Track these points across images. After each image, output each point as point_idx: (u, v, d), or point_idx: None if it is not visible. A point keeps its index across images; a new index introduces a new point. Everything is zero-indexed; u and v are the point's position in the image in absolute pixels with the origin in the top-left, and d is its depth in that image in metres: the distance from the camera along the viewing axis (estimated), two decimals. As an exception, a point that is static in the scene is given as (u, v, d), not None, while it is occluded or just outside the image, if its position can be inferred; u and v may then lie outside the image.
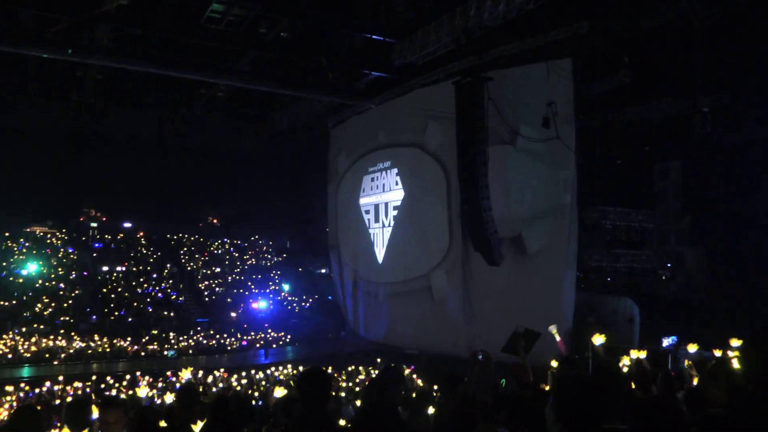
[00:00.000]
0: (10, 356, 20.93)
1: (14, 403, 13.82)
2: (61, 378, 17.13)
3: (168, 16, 16.54)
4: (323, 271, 32.14)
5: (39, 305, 25.21)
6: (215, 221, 36.01)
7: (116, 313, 26.20)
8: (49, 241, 30.37)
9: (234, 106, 26.75)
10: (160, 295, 28.54)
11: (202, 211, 35.41)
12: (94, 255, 30.22)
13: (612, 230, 20.23)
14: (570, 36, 14.77)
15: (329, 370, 17.27)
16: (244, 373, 17.99)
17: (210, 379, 17.33)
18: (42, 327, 23.79)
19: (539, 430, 4.45)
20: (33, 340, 22.38)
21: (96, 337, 23.28)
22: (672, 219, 20.35)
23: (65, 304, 25.81)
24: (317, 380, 3.55)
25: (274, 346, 24.99)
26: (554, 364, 7.71)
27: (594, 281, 20.63)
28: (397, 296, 21.05)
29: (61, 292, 26.70)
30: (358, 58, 19.30)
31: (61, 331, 23.66)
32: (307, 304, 30.86)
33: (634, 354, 8.14)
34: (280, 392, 10.65)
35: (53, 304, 25.49)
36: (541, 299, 15.57)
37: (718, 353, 8.75)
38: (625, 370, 8.18)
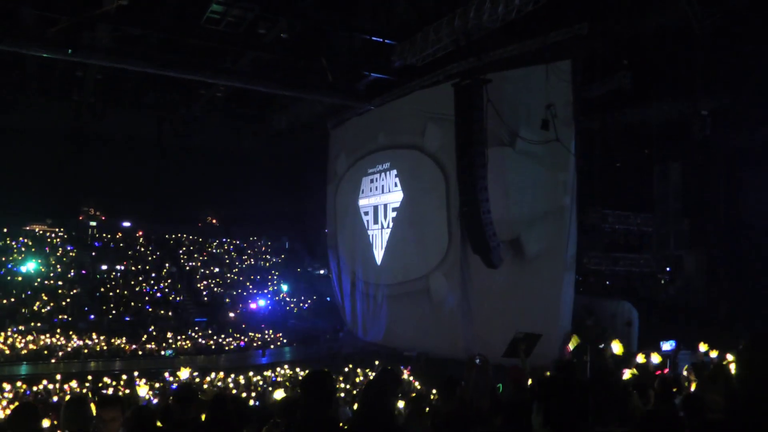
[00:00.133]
0: (8, 353, 20.91)
1: (11, 401, 13.78)
2: (58, 376, 17.11)
3: (168, 17, 16.55)
4: (322, 272, 32.11)
5: (38, 303, 25.18)
6: (214, 221, 35.96)
7: (114, 312, 26.17)
8: (48, 239, 30.33)
9: (233, 106, 26.76)
10: (158, 294, 28.50)
11: (201, 211, 35.35)
12: (93, 254, 30.18)
13: (611, 233, 20.24)
14: (569, 38, 14.76)
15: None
16: (241, 374, 17.96)
17: (207, 379, 17.32)
18: (40, 325, 23.76)
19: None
20: (31, 338, 22.35)
21: (94, 336, 23.26)
22: (671, 222, 20.33)
23: (63, 303, 25.77)
24: (322, 382, 3.56)
25: (272, 346, 24.95)
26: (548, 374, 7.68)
27: (593, 284, 20.63)
28: (395, 298, 21.03)
29: (60, 291, 26.66)
30: (357, 60, 19.29)
31: (59, 330, 23.63)
32: (306, 305, 30.82)
33: (641, 358, 8.10)
34: (280, 394, 10.64)
35: (52, 303, 25.46)
36: (540, 302, 15.57)
37: (713, 353, 8.74)
38: (627, 375, 8.15)
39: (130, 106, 26.53)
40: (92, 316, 25.48)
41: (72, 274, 28.26)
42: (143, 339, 23.84)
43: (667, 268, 20.29)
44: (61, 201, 29.95)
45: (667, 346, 13.58)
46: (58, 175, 28.45)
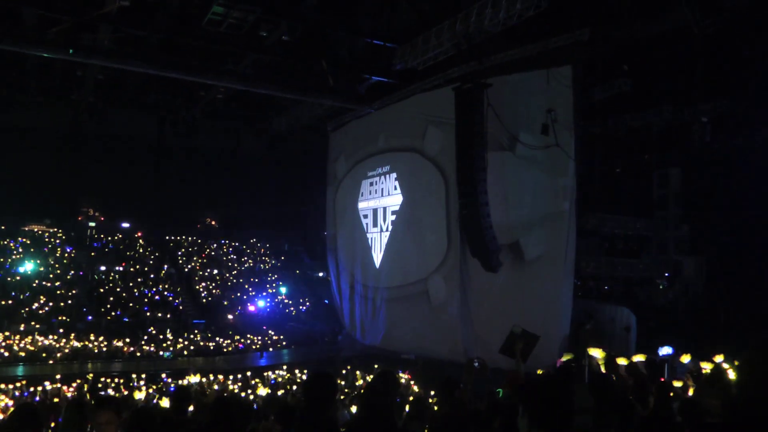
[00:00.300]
0: (6, 354, 20.89)
1: (8, 402, 13.76)
2: (57, 377, 17.08)
3: (169, 18, 16.57)
4: (321, 274, 32.09)
5: (36, 304, 25.15)
6: (213, 223, 35.96)
7: (113, 313, 26.14)
8: (46, 240, 30.31)
9: (233, 108, 26.75)
10: (157, 296, 28.47)
11: (200, 213, 35.35)
12: (92, 255, 30.16)
13: (610, 238, 20.28)
14: (570, 43, 14.79)
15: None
16: (240, 376, 17.94)
17: (205, 380, 17.30)
18: (38, 326, 23.72)
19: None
20: (29, 339, 22.32)
21: (92, 337, 23.23)
22: (671, 227, 20.37)
23: (62, 304, 25.74)
24: (323, 384, 3.57)
25: (270, 349, 24.93)
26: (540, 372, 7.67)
27: (592, 289, 20.66)
28: (394, 301, 21.03)
29: (59, 292, 26.64)
30: (358, 63, 19.32)
31: (60, 330, 23.61)
32: (305, 308, 30.82)
33: (623, 361, 8.10)
34: (263, 391, 10.64)
35: (50, 304, 25.43)
36: (539, 306, 15.57)
37: (707, 365, 8.74)
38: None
39: (131, 107, 26.52)
40: (90, 318, 25.45)
41: (71, 275, 28.23)
42: (142, 340, 23.81)
43: (666, 273, 20.33)
44: (59, 201, 29.95)
45: (665, 350, 13.59)
46: (57, 175, 28.44)
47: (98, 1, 14.85)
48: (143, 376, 17.81)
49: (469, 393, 5.97)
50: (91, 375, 18.23)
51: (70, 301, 26.15)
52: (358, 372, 18.45)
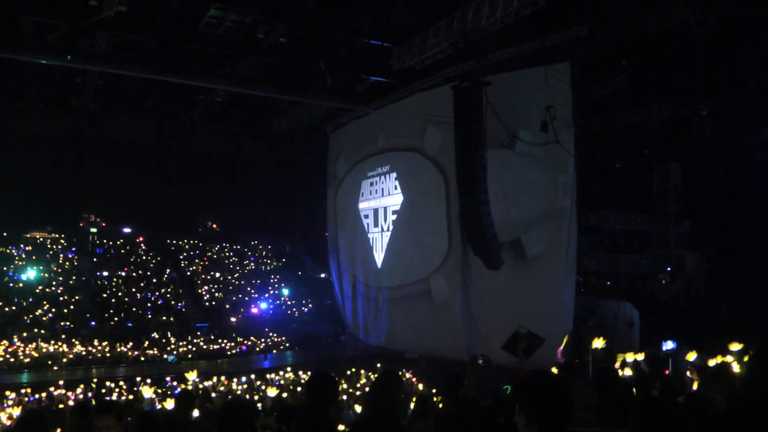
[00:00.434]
0: (11, 361, 20.93)
1: (13, 410, 13.77)
2: (61, 383, 17.10)
3: (166, 22, 16.59)
4: (323, 275, 32.11)
5: (39, 311, 25.18)
6: (214, 226, 35.95)
7: (116, 318, 26.17)
8: (49, 246, 30.35)
9: (232, 111, 26.80)
10: (160, 300, 28.50)
11: (201, 216, 35.34)
12: (94, 260, 30.20)
13: (612, 234, 20.28)
14: (568, 40, 14.80)
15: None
16: (244, 378, 17.95)
17: (210, 384, 17.31)
18: (42, 332, 23.75)
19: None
20: (33, 345, 22.35)
21: (96, 342, 23.26)
22: (672, 222, 20.37)
23: (65, 310, 25.76)
24: (323, 384, 3.67)
25: (274, 351, 24.95)
26: (555, 370, 7.67)
27: (594, 285, 20.66)
28: (396, 300, 21.05)
29: (62, 298, 26.66)
30: (356, 63, 19.34)
31: (63, 336, 23.64)
32: (307, 309, 30.84)
33: (631, 357, 8.11)
34: (272, 392, 10.64)
35: (53, 310, 25.46)
36: (541, 303, 15.57)
37: (713, 362, 8.73)
38: (625, 372, 8.17)
39: (130, 112, 26.57)
40: (94, 323, 25.49)
41: (73, 280, 28.27)
42: (145, 345, 23.83)
43: (668, 269, 20.32)
44: (61, 208, 29.95)
45: (668, 345, 13.61)
46: (58, 181, 28.46)
47: (95, 7, 14.89)
48: (148, 381, 17.82)
49: (473, 390, 5.99)
50: (96, 380, 18.25)
51: (73, 307, 26.17)
52: (362, 371, 18.46)
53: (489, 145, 15.02)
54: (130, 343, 23.62)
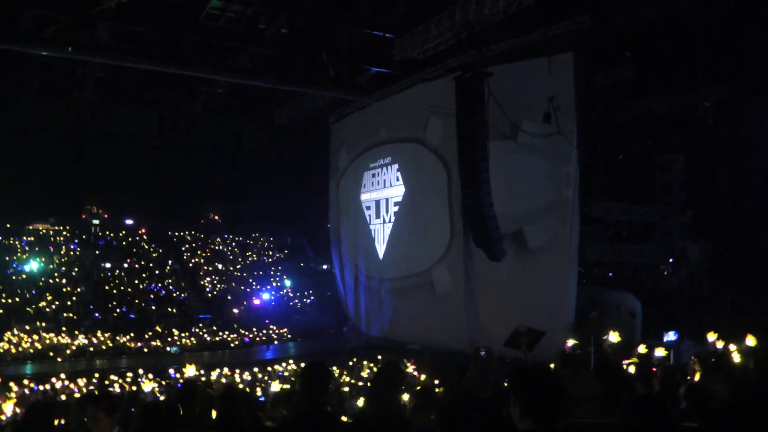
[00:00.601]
0: (14, 352, 21.04)
1: (19, 400, 13.85)
2: (64, 375, 17.18)
3: (167, 13, 16.53)
4: (325, 267, 32.16)
5: (42, 302, 25.28)
6: (216, 218, 35.99)
7: (119, 310, 26.26)
8: (51, 238, 30.42)
9: (234, 103, 26.77)
10: (162, 291, 28.59)
11: (203, 208, 35.36)
12: (97, 252, 30.26)
13: (614, 225, 20.23)
14: (571, 30, 14.72)
15: (333, 368, 17.33)
16: (247, 370, 18.01)
17: (213, 375, 17.38)
18: (45, 324, 23.85)
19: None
20: (36, 337, 22.45)
21: (99, 334, 23.35)
22: (675, 213, 20.32)
23: (68, 302, 25.86)
24: (316, 372, 3.84)
25: (276, 342, 25.03)
26: (552, 364, 7.65)
27: (596, 276, 20.65)
28: (398, 292, 21.08)
29: (64, 289, 26.75)
30: (358, 54, 19.26)
31: (64, 328, 23.73)
32: (309, 300, 30.91)
33: (642, 348, 8.11)
34: (277, 386, 10.68)
35: (56, 302, 25.55)
36: (544, 294, 15.58)
37: (720, 343, 8.74)
38: (632, 368, 8.15)
39: (132, 104, 26.55)
40: (97, 314, 25.58)
41: (76, 272, 28.35)
42: (148, 336, 23.92)
43: (671, 259, 20.29)
44: (63, 199, 29.98)
45: (670, 336, 13.60)
46: (60, 173, 28.49)
47: (96, -3, 14.83)
48: (149, 375, 17.89)
49: (475, 381, 6.00)
50: (99, 372, 18.33)
51: (76, 299, 26.26)
52: (364, 363, 18.51)
53: (491, 136, 14.97)
54: (133, 335, 23.71)
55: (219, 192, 33.06)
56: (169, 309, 27.13)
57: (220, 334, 25.08)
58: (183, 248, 32.86)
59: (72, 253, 29.75)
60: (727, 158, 18.91)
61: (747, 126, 17.97)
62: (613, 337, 7.80)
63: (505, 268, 16.08)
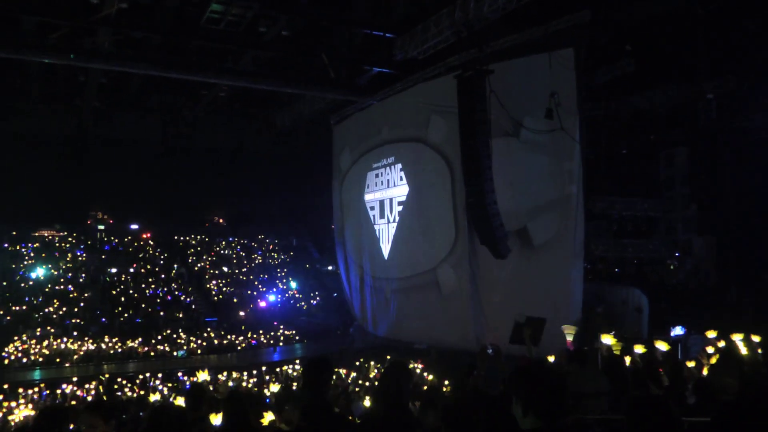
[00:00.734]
0: (22, 359, 21.14)
1: (26, 408, 13.92)
2: (74, 380, 17.26)
3: (168, 18, 16.58)
4: (330, 267, 32.18)
5: (50, 308, 25.38)
6: (221, 221, 36.08)
7: (126, 315, 26.35)
8: (57, 244, 30.54)
9: (236, 106, 26.83)
10: (168, 296, 28.67)
11: (207, 212, 35.46)
12: (103, 257, 30.37)
13: (619, 220, 20.18)
14: (571, 25, 14.67)
15: (342, 370, 17.36)
16: (255, 372, 18.07)
17: (222, 378, 17.44)
18: (53, 330, 23.94)
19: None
20: (45, 342, 22.54)
21: (106, 339, 23.44)
22: (679, 207, 20.26)
23: (76, 309, 25.94)
24: (320, 368, 3.98)
25: (281, 344, 25.07)
26: (551, 359, 7.62)
27: (602, 271, 20.61)
28: (404, 291, 21.07)
29: (71, 295, 26.86)
30: (358, 54, 19.27)
31: (73, 333, 23.83)
32: (315, 302, 30.94)
33: (639, 349, 8.05)
34: (275, 388, 10.73)
35: (64, 308, 25.65)
36: (549, 291, 15.55)
37: (721, 343, 8.70)
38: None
39: (134, 109, 26.64)
40: (104, 320, 25.66)
41: (83, 278, 28.46)
42: (155, 340, 23.99)
43: (676, 254, 20.23)
44: (68, 206, 30.10)
45: (677, 331, 13.57)
46: (64, 180, 28.60)
47: (96, 4, 14.88)
48: (159, 375, 17.98)
49: (482, 379, 6.00)
50: (107, 376, 18.40)
51: (83, 304, 26.35)
52: (371, 363, 18.53)
53: (494, 134, 14.92)
54: (140, 339, 23.78)
55: (223, 195, 33.14)
56: (176, 313, 27.19)
57: (227, 336, 25.14)
58: (188, 252, 32.95)
59: (78, 258, 29.87)
60: (730, 151, 18.85)
61: (750, 118, 17.91)
62: (608, 340, 7.69)
63: (511, 266, 16.06)
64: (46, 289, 26.78)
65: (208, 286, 30.39)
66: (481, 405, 4.41)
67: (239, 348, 24.29)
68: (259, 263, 33.70)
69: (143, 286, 28.91)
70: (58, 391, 16.18)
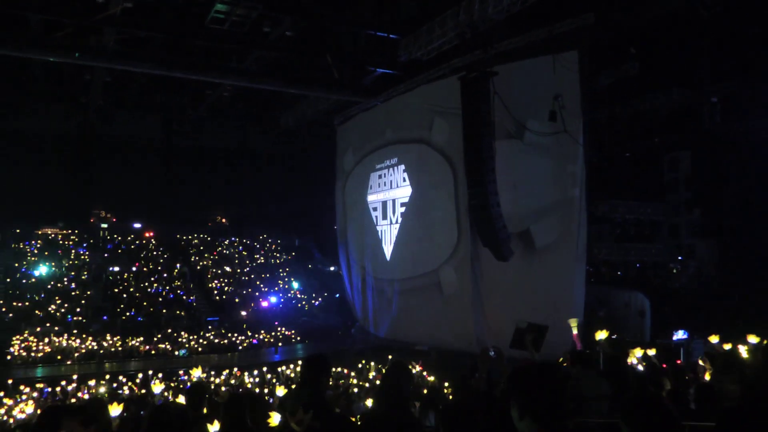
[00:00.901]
0: (24, 356, 21.20)
1: (27, 405, 13.94)
2: (74, 377, 17.29)
3: (172, 18, 16.61)
4: (332, 268, 32.18)
5: (52, 306, 25.44)
6: (224, 221, 36.12)
7: (128, 313, 26.39)
8: (60, 242, 30.61)
9: (240, 106, 26.84)
10: (170, 294, 28.70)
11: (210, 211, 35.51)
12: (105, 256, 30.43)
13: (621, 223, 20.16)
14: (575, 28, 14.64)
15: (344, 370, 17.35)
16: (255, 372, 18.05)
17: (222, 377, 17.44)
18: (55, 327, 24.00)
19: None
20: (46, 340, 22.59)
21: (108, 337, 23.47)
22: (682, 211, 20.22)
23: (78, 308, 25.98)
24: (317, 365, 4.04)
25: (280, 345, 25.07)
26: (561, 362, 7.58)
27: (604, 275, 20.58)
28: (406, 292, 21.06)
29: (74, 293, 26.92)
30: (363, 55, 19.27)
31: (74, 331, 23.87)
32: (317, 302, 30.93)
33: (640, 352, 8.02)
34: (281, 392, 10.68)
35: (66, 305, 25.70)
36: (551, 294, 15.51)
37: (727, 346, 8.66)
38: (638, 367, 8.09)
39: (138, 108, 26.68)
40: (106, 318, 25.71)
41: (85, 276, 28.52)
42: (156, 339, 24.02)
43: (679, 257, 20.19)
44: (71, 204, 30.21)
45: (680, 335, 13.52)
46: (68, 178, 28.72)
47: (102, 4, 14.91)
48: (159, 375, 17.97)
49: (484, 382, 5.98)
50: (108, 375, 18.42)
51: (85, 302, 26.40)
52: (372, 364, 18.51)
53: (497, 136, 14.91)
54: (142, 338, 23.81)
55: (226, 195, 33.20)
56: (178, 312, 27.21)
57: (229, 336, 25.16)
58: (190, 251, 32.98)
59: (80, 257, 29.93)
60: (734, 154, 18.80)
61: (753, 121, 17.86)
62: (602, 335, 7.66)
63: (513, 268, 16.04)
64: (49, 287, 26.84)
65: (210, 285, 30.42)
66: (480, 407, 4.40)
67: (240, 348, 24.29)
68: (261, 263, 33.72)
69: (145, 284, 28.95)
70: (58, 389, 16.20)
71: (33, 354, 21.44)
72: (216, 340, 24.65)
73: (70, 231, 31.33)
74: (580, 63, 15.20)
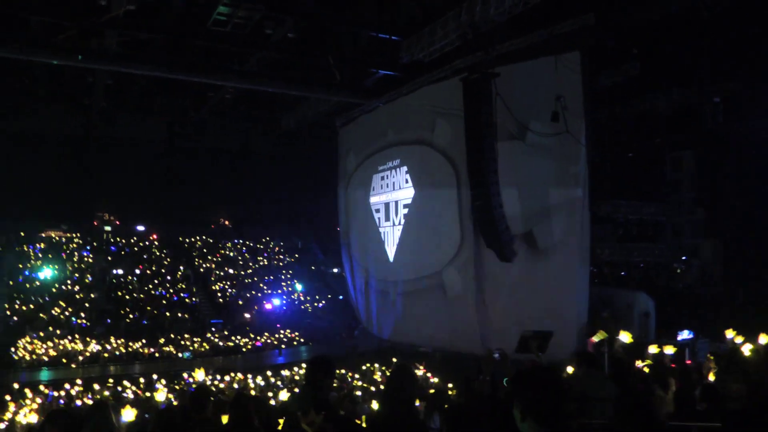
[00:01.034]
0: (28, 359, 21.23)
1: (32, 407, 13.96)
2: (78, 381, 17.32)
3: (175, 20, 16.64)
4: (335, 270, 32.19)
5: (56, 309, 25.48)
6: (227, 223, 36.16)
7: (131, 316, 26.42)
8: (64, 245, 30.68)
9: (242, 108, 26.85)
10: (174, 297, 28.73)
11: (213, 213, 35.54)
12: (109, 258, 30.48)
13: (624, 224, 20.14)
14: (577, 29, 14.63)
15: (349, 372, 17.36)
16: (259, 374, 18.07)
17: (227, 379, 17.45)
18: (59, 330, 24.03)
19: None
20: (50, 343, 22.62)
21: (112, 340, 23.50)
22: (685, 211, 20.18)
23: (82, 313, 26.02)
24: (321, 367, 4.09)
25: (283, 346, 25.08)
26: (570, 369, 7.56)
27: (607, 275, 20.54)
28: (409, 294, 21.04)
29: (78, 296, 26.96)
30: (364, 57, 19.28)
31: (78, 335, 23.90)
32: (321, 304, 30.94)
33: (654, 348, 8.01)
34: (285, 395, 10.67)
35: (70, 308, 25.74)
36: (555, 295, 15.49)
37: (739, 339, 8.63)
38: (646, 370, 8.08)
39: (140, 111, 26.73)
40: (110, 321, 25.75)
41: (89, 279, 28.57)
42: (161, 342, 24.04)
43: (683, 257, 20.15)
44: (75, 206, 30.27)
45: (684, 335, 13.49)
46: (71, 180, 28.75)
47: (104, 6, 14.94)
48: (163, 381, 17.99)
49: (488, 384, 5.98)
50: (112, 377, 18.46)
51: (89, 305, 26.45)
52: (376, 366, 18.51)
53: (499, 137, 14.88)
54: (145, 341, 23.83)
55: (228, 197, 33.22)
56: (181, 314, 27.24)
57: (232, 338, 25.17)
58: (194, 254, 33.02)
59: (84, 259, 29.99)
60: (737, 154, 18.77)
61: (755, 121, 17.83)
62: (625, 337, 7.67)
63: (516, 269, 16.00)
64: (53, 290, 26.88)
65: (213, 287, 30.45)
66: (484, 409, 4.41)
67: (244, 350, 24.30)
68: (264, 265, 33.74)
69: (149, 287, 28.98)
70: (62, 393, 16.22)
71: (37, 357, 21.47)
72: (220, 343, 24.67)
73: (73, 234, 31.40)
74: (582, 64, 15.19)
